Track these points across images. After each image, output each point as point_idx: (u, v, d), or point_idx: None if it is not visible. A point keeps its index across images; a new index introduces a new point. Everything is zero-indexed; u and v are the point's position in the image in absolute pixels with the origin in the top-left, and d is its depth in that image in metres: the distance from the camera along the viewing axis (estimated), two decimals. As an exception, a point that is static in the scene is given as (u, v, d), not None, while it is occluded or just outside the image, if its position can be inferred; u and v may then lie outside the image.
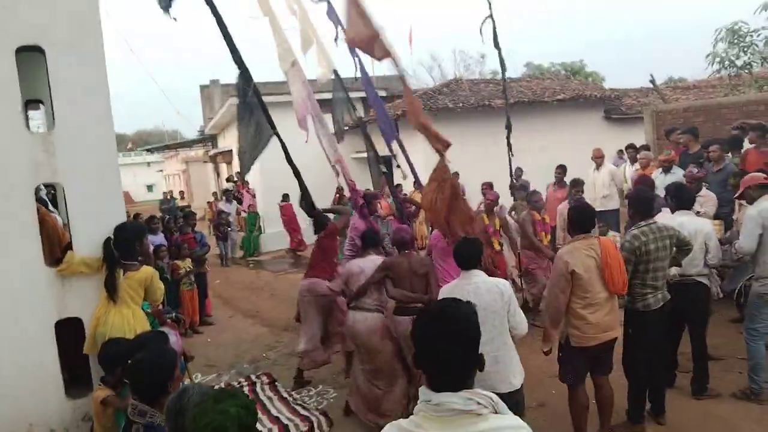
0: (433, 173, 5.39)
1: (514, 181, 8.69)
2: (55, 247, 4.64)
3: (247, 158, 6.39)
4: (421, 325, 1.89)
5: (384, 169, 8.46)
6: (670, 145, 9.15)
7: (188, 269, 8.89)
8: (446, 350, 1.81)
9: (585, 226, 4.39)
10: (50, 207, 6.20)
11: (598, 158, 9.59)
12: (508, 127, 7.62)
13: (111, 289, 4.16)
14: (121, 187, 4.86)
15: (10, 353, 4.25)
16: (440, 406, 1.76)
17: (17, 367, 4.26)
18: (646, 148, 9.18)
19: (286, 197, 14.36)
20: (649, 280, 4.50)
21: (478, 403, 1.76)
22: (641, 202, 4.76)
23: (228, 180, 19.47)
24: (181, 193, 24.25)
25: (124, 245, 4.30)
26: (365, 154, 8.72)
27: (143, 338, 3.27)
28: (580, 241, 4.32)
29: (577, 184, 8.12)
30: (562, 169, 9.43)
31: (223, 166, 22.66)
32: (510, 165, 7.92)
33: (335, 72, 8.55)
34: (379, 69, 13.39)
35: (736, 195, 5.42)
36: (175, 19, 5.42)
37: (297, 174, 6.47)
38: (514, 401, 3.60)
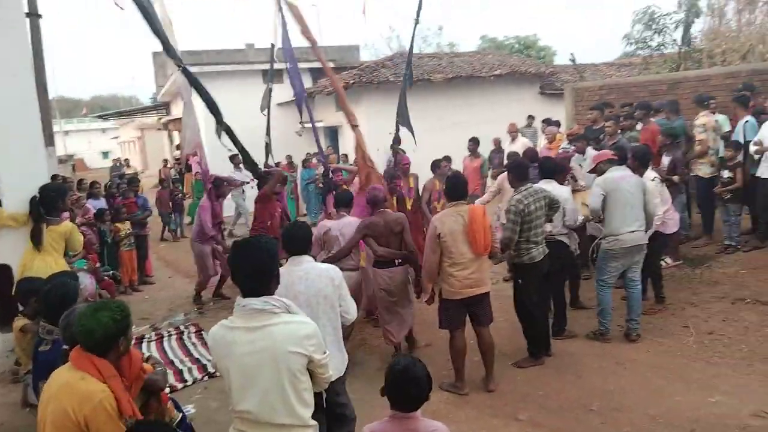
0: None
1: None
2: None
3: (188, 134, 7.10)
4: (234, 253, 2.63)
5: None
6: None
7: (128, 231, 9.43)
8: (249, 268, 2.56)
9: (457, 195, 5.02)
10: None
11: (513, 132, 10.49)
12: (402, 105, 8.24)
13: (36, 240, 4.80)
14: (44, 152, 5.47)
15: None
16: (245, 307, 2.52)
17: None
18: (554, 123, 10.02)
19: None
20: (532, 236, 5.22)
21: (273, 305, 2.52)
22: (517, 168, 5.55)
23: (178, 147, 19.79)
24: (127, 160, 24.46)
25: (48, 202, 4.93)
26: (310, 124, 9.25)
27: (53, 275, 3.92)
28: (451, 208, 4.97)
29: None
30: (474, 142, 10.25)
31: (176, 134, 22.89)
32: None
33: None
34: (330, 39, 13.87)
35: (589, 170, 6.26)
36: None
37: (236, 142, 7.11)
38: (338, 390, 3.74)
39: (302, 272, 3.55)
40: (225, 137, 7.30)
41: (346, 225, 5.71)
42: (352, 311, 3.70)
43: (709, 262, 7.47)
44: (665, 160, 7.38)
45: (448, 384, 5.08)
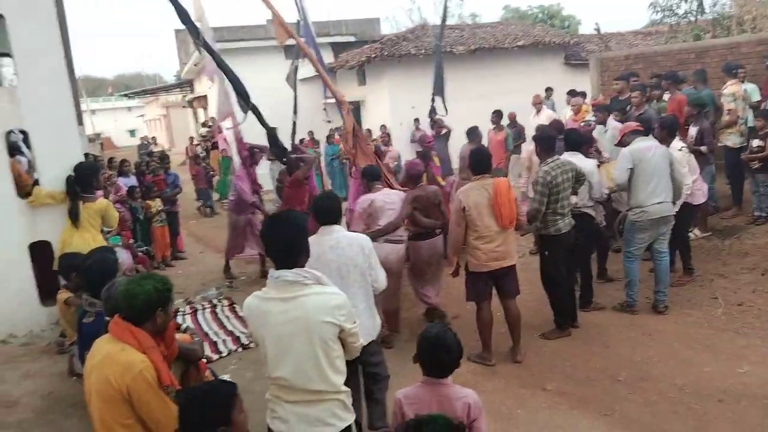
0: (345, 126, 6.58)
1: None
2: (20, 189, 5.40)
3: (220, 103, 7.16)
4: (266, 228, 2.73)
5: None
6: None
7: (159, 208, 9.63)
8: (281, 243, 2.66)
9: (482, 168, 5.01)
10: (23, 148, 6.92)
11: (537, 104, 10.39)
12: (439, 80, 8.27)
13: (74, 217, 4.98)
14: (77, 130, 5.61)
15: (-8, 270, 5.09)
16: (278, 278, 2.62)
17: (-1, 282, 5.11)
18: (579, 94, 9.88)
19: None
20: (559, 208, 5.25)
21: (304, 276, 2.61)
22: (544, 140, 5.56)
23: (203, 125, 19.97)
24: (154, 138, 24.80)
25: (83, 180, 5.10)
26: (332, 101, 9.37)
27: (93, 251, 4.07)
28: (476, 181, 4.97)
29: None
30: (497, 114, 10.20)
31: (200, 111, 23.09)
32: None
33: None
34: (350, 13, 13.88)
35: (615, 142, 6.22)
36: None
37: (263, 122, 7.13)
38: (372, 351, 3.78)
39: (333, 241, 3.61)
40: (252, 116, 7.35)
41: (388, 194, 5.65)
42: (381, 280, 3.76)
43: (738, 233, 7.39)
44: (692, 131, 7.29)
45: (476, 355, 5.16)
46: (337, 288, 2.76)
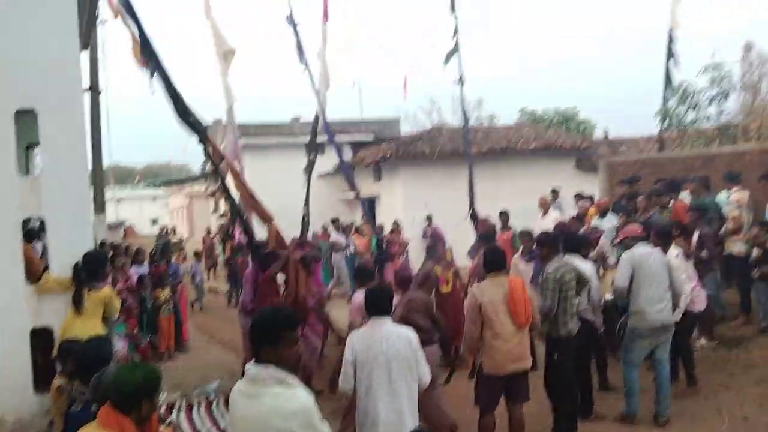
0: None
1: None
2: (31, 274, 5.59)
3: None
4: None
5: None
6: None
7: (167, 297, 9.75)
8: (254, 333, 2.71)
9: (496, 265, 5.05)
10: (40, 234, 7.20)
11: (544, 205, 10.57)
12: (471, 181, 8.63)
13: (77, 304, 5.11)
14: (91, 220, 5.87)
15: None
16: (248, 371, 2.66)
17: (-5, 366, 5.18)
18: (586, 198, 10.08)
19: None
20: (568, 307, 5.27)
21: (265, 375, 2.58)
22: (550, 242, 5.68)
23: (222, 216, 20.43)
24: (174, 228, 25.33)
25: (90, 268, 5.28)
26: (349, 195, 9.76)
27: (90, 339, 4.14)
28: (490, 279, 5.00)
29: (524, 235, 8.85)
30: (504, 215, 10.38)
31: (221, 202, 23.67)
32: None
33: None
34: (369, 111, 14.62)
35: (616, 242, 6.30)
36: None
37: (238, 212, 7.15)
38: None
39: (384, 333, 3.80)
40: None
41: None
42: (426, 375, 3.89)
43: (745, 343, 7.23)
44: (694, 237, 7.35)
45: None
46: (303, 389, 2.67)
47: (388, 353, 3.67)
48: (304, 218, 9.98)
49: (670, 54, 10.70)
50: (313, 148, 10.56)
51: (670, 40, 10.68)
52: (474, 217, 10.51)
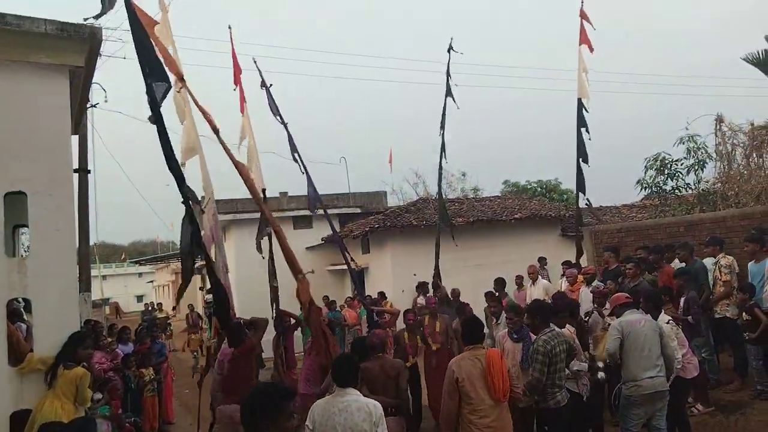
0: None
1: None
2: (14, 355, 5.46)
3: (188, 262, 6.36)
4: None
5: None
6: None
7: (152, 376, 9.52)
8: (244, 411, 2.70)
9: (474, 338, 5.03)
10: (24, 315, 7.06)
11: (532, 274, 10.62)
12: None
13: (50, 379, 5.00)
14: (77, 299, 5.78)
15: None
16: None
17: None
18: (574, 265, 10.17)
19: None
20: (557, 379, 5.21)
21: None
22: (541, 311, 5.64)
23: (208, 291, 20.23)
24: (159, 304, 25.08)
25: (68, 347, 5.20)
26: (338, 266, 9.73)
27: (74, 422, 4.02)
28: (468, 351, 4.95)
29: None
30: (498, 284, 10.39)
31: (207, 278, 23.51)
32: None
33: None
34: (356, 186, 14.85)
35: (608, 313, 6.33)
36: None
37: (213, 281, 6.44)
38: None
39: (343, 404, 3.70)
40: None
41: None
42: None
43: (743, 409, 7.13)
44: (681, 301, 7.40)
45: None
46: None
47: (345, 426, 3.59)
48: (275, 289, 9.53)
49: (582, 122, 10.81)
50: (264, 226, 9.96)
51: (580, 107, 10.81)
52: (435, 285, 11.26)
